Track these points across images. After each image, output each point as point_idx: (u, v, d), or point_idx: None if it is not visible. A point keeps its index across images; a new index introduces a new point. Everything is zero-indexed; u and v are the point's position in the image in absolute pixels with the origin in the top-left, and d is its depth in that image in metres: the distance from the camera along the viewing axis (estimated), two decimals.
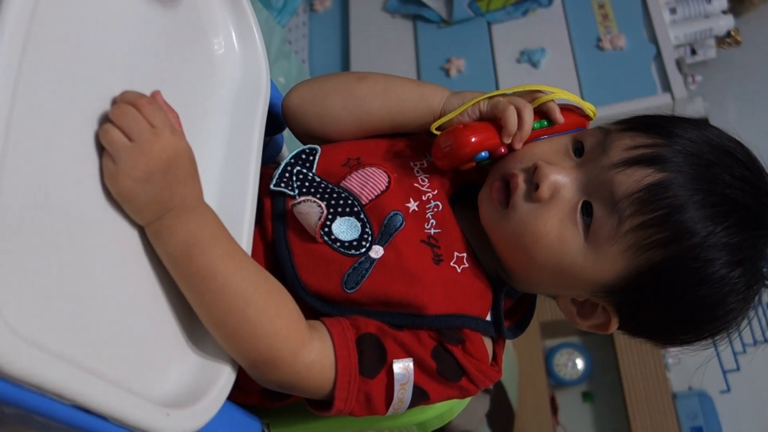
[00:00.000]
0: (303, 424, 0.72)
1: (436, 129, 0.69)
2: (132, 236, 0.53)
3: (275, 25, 1.79)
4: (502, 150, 0.67)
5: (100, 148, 0.51)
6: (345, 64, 2.42)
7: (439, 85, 0.73)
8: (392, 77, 0.74)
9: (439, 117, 0.70)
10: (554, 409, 2.44)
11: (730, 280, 0.61)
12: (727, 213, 0.60)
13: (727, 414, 2.26)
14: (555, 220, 0.63)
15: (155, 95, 0.57)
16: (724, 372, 2.13)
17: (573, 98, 0.70)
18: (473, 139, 0.65)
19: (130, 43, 0.57)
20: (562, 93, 0.69)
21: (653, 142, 0.62)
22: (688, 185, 0.60)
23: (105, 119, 0.51)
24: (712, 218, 0.59)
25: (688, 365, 2.39)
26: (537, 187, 0.63)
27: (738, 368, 2.13)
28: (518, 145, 0.66)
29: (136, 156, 0.51)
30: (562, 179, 0.63)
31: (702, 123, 0.66)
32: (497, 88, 2.21)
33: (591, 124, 0.72)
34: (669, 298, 0.62)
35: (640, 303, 0.64)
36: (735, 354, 2.11)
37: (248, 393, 0.67)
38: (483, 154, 0.66)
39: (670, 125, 0.64)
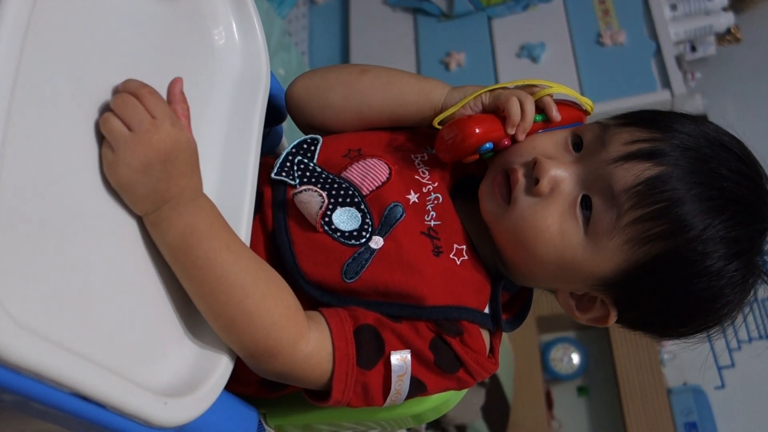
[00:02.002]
0: (300, 414, 0.73)
1: (439, 123, 0.69)
2: (131, 226, 0.53)
3: (275, 16, 1.79)
4: (506, 142, 0.67)
5: (101, 138, 0.51)
6: (345, 57, 2.41)
7: (441, 81, 0.73)
8: (394, 71, 0.74)
9: (441, 112, 0.70)
10: (549, 403, 2.45)
11: (727, 272, 0.61)
12: (724, 206, 0.60)
13: (721, 410, 2.27)
14: (556, 214, 0.63)
15: (176, 83, 0.57)
16: (719, 368, 2.14)
17: (571, 93, 0.70)
18: (477, 130, 0.65)
19: (130, 33, 0.57)
20: (560, 88, 0.69)
21: (651, 137, 0.62)
22: (686, 179, 0.60)
23: (106, 108, 0.51)
24: (709, 211, 0.60)
25: (683, 361, 2.39)
26: (537, 181, 0.63)
27: (733, 364, 2.14)
28: (521, 137, 0.67)
29: (134, 146, 0.51)
30: (561, 174, 0.64)
31: (699, 118, 0.66)
32: (497, 82, 2.21)
33: (588, 119, 0.73)
34: (667, 291, 0.63)
35: (639, 296, 0.64)
36: (730, 350, 2.11)
37: (245, 383, 0.67)
38: (487, 145, 0.66)
39: (667, 120, 0.65)
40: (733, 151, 0.63)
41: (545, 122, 0.68)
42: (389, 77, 0.73)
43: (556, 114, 0.68)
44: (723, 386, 2.16)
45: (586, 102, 0.71)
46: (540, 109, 0.68)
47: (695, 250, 0.60)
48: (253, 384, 0.68)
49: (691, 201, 0.60)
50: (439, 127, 0.68)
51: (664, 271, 0.61)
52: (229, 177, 0.63)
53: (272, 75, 0.73)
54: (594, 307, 0.67)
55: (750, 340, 2.10)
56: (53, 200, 0.46)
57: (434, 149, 0.69)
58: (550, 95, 0.69)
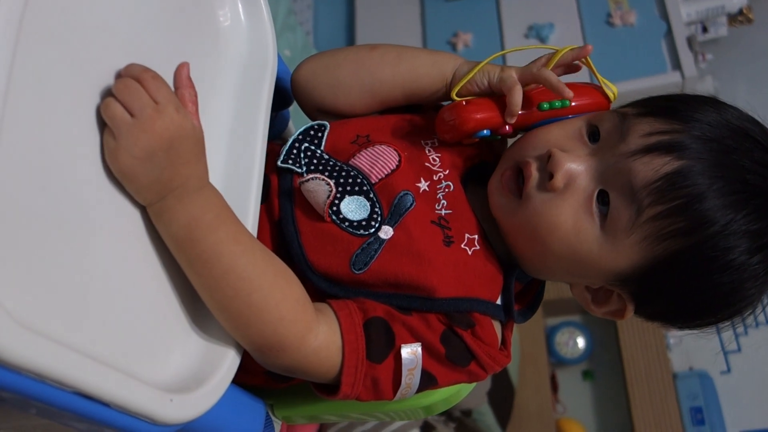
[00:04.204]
0: (308, 405, 0.72)
1: (456, 94, 0.67)
2: (134, 217, 0.52)
3: None
4: (507, 128, 0.65)
5: (103, 124, 0.49)
6: (350, 36, 2.38)
7: (453, 54, 0.71)
8: (404, 46, 0.73)
9: (452, 84, 0.68)
10: (554, 387, 2.45)
11: (749, 266, 0.60)
12: (746, 200, 0.59)
13: (727, 394, 2.27)
14: (570, 210, 0.61)
15: (182, 67, 0.55)
16: (726, 353, 2.13)
17: (593, 70, 0.68)
18: (477, 116, 0.64)
19: (132, 15, 0.55)
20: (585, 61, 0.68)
21: (671, 128, 0.60)
22: (708, 173, 0.58)
23: (108, 93, 0.50)
24: (732, 206, 0.58)
25: (690, 345, 2.39)
26: (551, 176, 0.61)
27: (739, 349, 2.13)
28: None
29: (136, 133, 0.49)
30: (577, 168, 0.62)
31: (721, 104, 0.64)
32: (504, 63, 2.18)
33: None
34: (686, 286, 0.61)
35: (657, 291, 0.63)
36: (737, 335, 2.11)
37: (252, 373, 0.65)
38: (484, 132, 0.65)
39: (688, 109, 0.62)
40: (756, 139, 0.61)
41: (562, 110, 0.66)
42: (399, 51, 0.71)
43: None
44: (729, 371, 2.16)
45: (610, 87, 0.69)
46: (558, 94, 0.66)
47: (717, 245, 0.58)
48: (261, 374, 0.67)
49: (713, 196, 0.58)
50: (457, 98, 0.66)
51: (684, 267, 0.60)
52: (235, 165, 0.62)
53: (278, 57, 0.71)
54: (610, 300, 0.66)
55: (757, 325, 2.09)
56: (53, 191, 0.44)
57: (435, 128, 0.67)
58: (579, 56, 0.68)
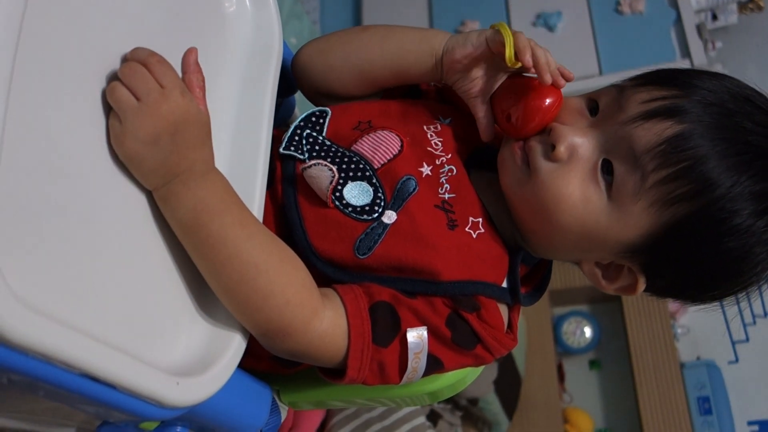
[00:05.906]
0: (314, 391, 0.72)
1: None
2: (141, 201, 0.52)
3: None
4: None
5: (109, 109, 0.49)
6: (357, 24, 2.37)
7: (443, 30, 0.71)
8: (394, 26, 0.72)
9: (442, 58, 0.67)
10: (561, 376, 2.45)
11: (756, 229, 0.59)
12: (750, 161, 0.58)
13: (734, 384, 2.27)
14: (576, 180, 0.61)
15: (190, 53, 0.55)
16: (733, 342, 2.12)
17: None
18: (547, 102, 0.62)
19: (138, 1, 0.55)
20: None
21: (670, 94, 0.60)
22: (710, 135, 0.58)
23: (114, 78, 0.50)
24: (735, 167, 0.58)
25: (697, 335, 2.38)
26: (554, 147, 0.61)
27: (747, 339, 2.12)
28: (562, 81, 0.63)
29: (142, 116, 0.49)
30: (578, 140, 0.62)
31: (720, 74, 0.64)
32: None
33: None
34: (695, 253, 0.61)
35: (667, 260, 0.62)
36: (744, 324, 2.10)
37: (259, 359, 0.66)
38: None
39: (687, 77, 0.62)
40: (756, 103, 0.61)
41: None
42: (388, 30, 0.71)
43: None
44: (737, 361, 2.15)
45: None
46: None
47: (723, 208, 0.58)
48: (267, 360, 0.67)
49: (716, 158, 0.57)
50: (512, 63, 0.64)
51: (692, 232, 0.59)
52: (241, 150, 0.62)
53: (284, 44, 0.71)
54: (621, 275, 0.65)
55: (765, 314, 2.09)
56: (60, 176, 0.44)
57: (502, 125, 0.66)
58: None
